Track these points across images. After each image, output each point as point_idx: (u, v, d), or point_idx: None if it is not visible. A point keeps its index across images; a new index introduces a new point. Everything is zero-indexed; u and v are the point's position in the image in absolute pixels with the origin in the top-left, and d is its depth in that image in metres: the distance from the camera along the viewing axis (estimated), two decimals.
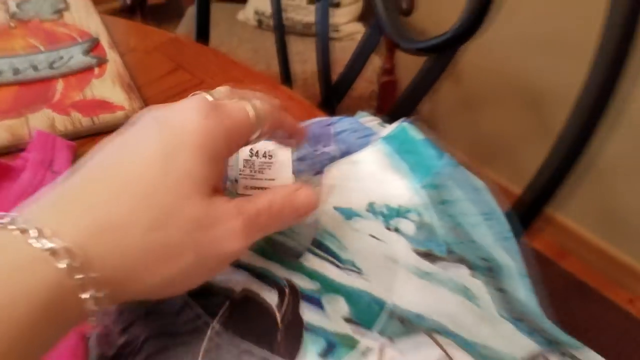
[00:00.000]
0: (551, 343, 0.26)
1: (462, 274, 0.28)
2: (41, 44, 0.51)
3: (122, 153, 0.21)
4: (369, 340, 0.23)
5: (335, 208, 0.30)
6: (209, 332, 0.23)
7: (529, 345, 0.25)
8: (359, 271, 0.27)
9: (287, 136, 0.29)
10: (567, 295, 1.15)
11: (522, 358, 0.24)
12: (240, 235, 0.21)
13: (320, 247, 0.28)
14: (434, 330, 0.24)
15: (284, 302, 0.25)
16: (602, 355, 0.30)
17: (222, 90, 0.26)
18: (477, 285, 0.28)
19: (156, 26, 0.60)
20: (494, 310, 0.27)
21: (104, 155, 0.21)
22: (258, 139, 0.25)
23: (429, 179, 0.31)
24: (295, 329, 0.24)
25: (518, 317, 0.27)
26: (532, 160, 0.43)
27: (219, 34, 1.29)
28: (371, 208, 0.31)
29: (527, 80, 1.17)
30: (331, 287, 0.26)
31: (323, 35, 0.66)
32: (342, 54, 0.78)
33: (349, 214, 0.30)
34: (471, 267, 0.28)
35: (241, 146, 0.25)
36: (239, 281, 0.25)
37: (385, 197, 0.31)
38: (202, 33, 0.74)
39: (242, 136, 0.24)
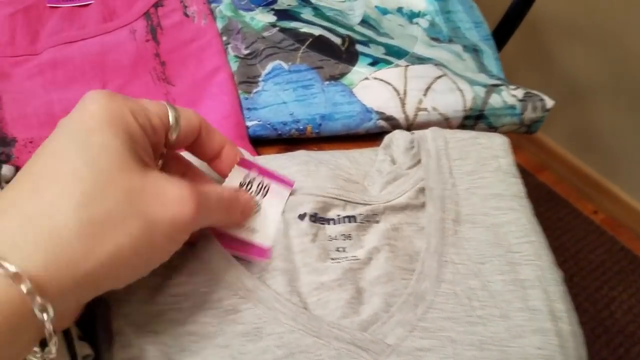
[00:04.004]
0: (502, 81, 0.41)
1: (457, 48, 0.43)
2: None
3: (40, 157, 0.21)
4: (399, 62, 0.38)
5: (375, 6, 0.44)
6: (300, 52, 0.38)
7: (488, 79, 0.40)
8: (392, 38, 0.42)
9: (210, 157, 0.27)
10: (540, 203, 1.32)
11: (485, 84, 0.39)
12: (191, 202, 0.21)
13: (364, 23, 0.42)
14: (439, 64, 0.39)
15: (345, 43, 0.39)
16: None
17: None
18: (466, 56, 0.43)
19: None
20: (474, 68, 0.42)
21: (26, 167, 0.21)
22: (173, 146, 0.25)
23: None
24: (352, 53, 0.38)
25: (484, 72, 0.42)
26: None
27: None
28: (399, 10, 0.45)
29: None
30: (375, 41, 0.40)
31: None
32: None
33: (384, 11, 0.44)
34: (463, 47, 0.43)
35: (158, 136, 0.23)
36: (316, 30, 0.40)
37: (409, 4, 0.45)
38: None
39: (155, 126, 0.23)
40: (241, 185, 0.29)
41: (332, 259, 0.29)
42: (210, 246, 0.27)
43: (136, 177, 0.20)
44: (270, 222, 0.29)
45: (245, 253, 0.28)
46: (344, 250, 0.30)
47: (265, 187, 0.29)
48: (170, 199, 0.21)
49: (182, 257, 0.27)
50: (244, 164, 0.29)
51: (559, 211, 1.32)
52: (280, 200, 0.29)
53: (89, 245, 0.19)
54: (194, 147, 0.27)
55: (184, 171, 0.27)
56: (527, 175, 1.39)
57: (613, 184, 1.30)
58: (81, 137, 0.20)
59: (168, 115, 0.24)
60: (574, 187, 1.36)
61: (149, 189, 0.20)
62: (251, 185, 0.29)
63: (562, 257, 1.22)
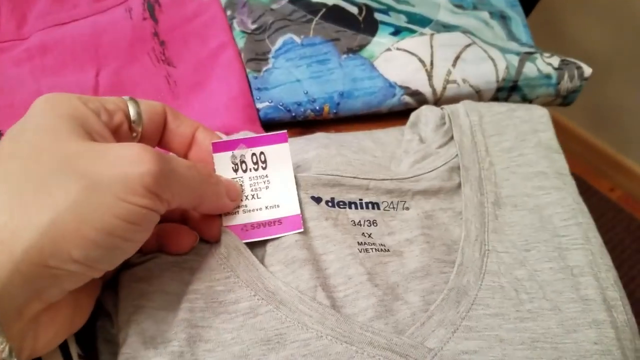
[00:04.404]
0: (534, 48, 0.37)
1: (484, 15, 0.39)
2: None
3: None
4: (424, 30, 0.35)
5: None
6: (313, 24, 0.35)
7: (519, 47, 0.37)
8: (412, 5, 0.38)
9: (185, 145, 0.25)
10: None
11: (517, 52, 0.36)
12: (147, 161, 0.19)
13: None
14: (467, 31, 0.36)
15: (362, 11, 0.36)
16: None
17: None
18: (493, 23, 0.39)
19: None
20: (503, 36, 0.38)
21: None
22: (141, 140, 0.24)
23: None
24: (371, 23, 0.35)
25: (513, 40, 0.38)
26: None
27: None
28: None
29: None
30: (394, 9, 0.37)
31: None
32: None
33: None
34: (490, 14, 0.39)
35: (117, 120, 0.22)
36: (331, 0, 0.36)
37: None
38: None
39: (110, 110, 0.22)
40: (234, 170, 0.26)
41: (360, 243, 0.26)
42: (229, 241, 0.25)
43: (74, 145, 0.19)
44: (287, 188, 0.26)
45: (278, 232, 0.25)
46: (369, 236, 0.26)
47: (260, 156, 0.26)
48: (117, 157, 0.19)
49: (200, 257, 0.24)
50: (222, 146, 0.26)
51: None
52: (284, 161, 0.26)
53: (23, 217, 0.18)
54: (165, 138, 0.25)
55: None
56: None
57: (630, 160, 1.26)
58: (19, 125, 0.20)
59: (127, 103, 0.23)
60: (589, 165, 1.32)
61: (90, 153, 0.19)
62: (245, 164, 0.26)
63: None
